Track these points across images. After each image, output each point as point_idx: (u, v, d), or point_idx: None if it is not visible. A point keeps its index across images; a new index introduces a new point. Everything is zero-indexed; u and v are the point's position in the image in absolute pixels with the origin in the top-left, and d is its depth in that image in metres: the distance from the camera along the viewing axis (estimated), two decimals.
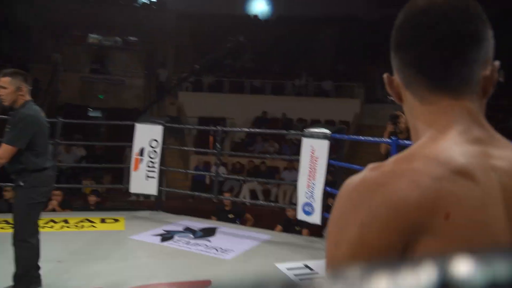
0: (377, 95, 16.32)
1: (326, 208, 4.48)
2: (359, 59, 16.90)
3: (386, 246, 0.55)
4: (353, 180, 0.61)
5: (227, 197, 7.11)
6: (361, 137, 4.87)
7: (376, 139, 4.78)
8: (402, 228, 0.55)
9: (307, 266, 3.78)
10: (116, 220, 5.04)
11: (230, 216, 6.65)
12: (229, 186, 10.82)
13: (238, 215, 6.73)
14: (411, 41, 0.66)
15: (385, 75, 0.73)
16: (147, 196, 7.39)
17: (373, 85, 16.49)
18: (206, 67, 14.23)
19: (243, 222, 6.57)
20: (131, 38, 16.96)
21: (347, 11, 17.78)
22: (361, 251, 0.56)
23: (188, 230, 4.76)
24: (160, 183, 5.52)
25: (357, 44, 17.05)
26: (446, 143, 0.61)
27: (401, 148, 4.01)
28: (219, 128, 5.30)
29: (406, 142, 3.87)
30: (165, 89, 15.17)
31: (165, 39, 17.45)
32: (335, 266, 0.58)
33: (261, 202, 7.57)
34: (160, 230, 4.64)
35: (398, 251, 0.55)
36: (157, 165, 5.41)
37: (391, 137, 4.35)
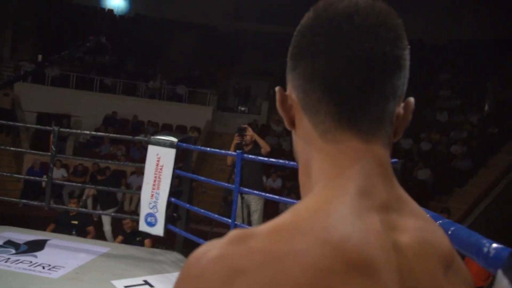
0: (229, 103, 16.87)
1: (170, 219, 4.37)
2: (213, 67, 17.25)
3: None
4: (204, 256, 0.44)
5: (61, 206, 6.48)
6: (208, 149, 4.90)
7: (222, 151, 4.86)
8: None
9: (146, 282, 3.60)
10: None
11: (74, 222, 6.09)
12: (70, 190, 9.93)
13: (84, 224, 6.19)
14: (325, 50, 0.50)
15: (277, 88, 0.55)
16: None
17: (226, 93, 16.99)
18: (58, 62, 12.88)
19: (83, 234, 6.06)
20: None
21: (205, 20, 18.04)
22: None
23: (9, 243, 4.15)
24: None
25: (212, 53, 17.39)
26: (344, 211, 0.46)
27: (245, 162, 4.13)
28: (55, 128, 4.77)
29: (250, 156, 4.00)
30: None
31: (1, 19, 15.32)
32: None
33: (101, 212, 7.06)
34: None
35: None
36: None
37: (237, 149, 4.47)
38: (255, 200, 4.76)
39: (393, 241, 0.47)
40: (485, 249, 0.96)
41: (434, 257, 0.50)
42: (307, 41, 0.51)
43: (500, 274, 0.74)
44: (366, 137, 0.50)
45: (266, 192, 5.27)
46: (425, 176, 10.86)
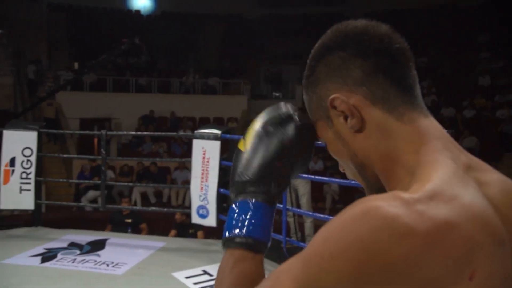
0: (262, 91, 16.86)
1: (221, 210, 4.45)
2: (243, 56, 17.25)
3: None
4: (382, 208, 0.48)
5: (115, 206, 6.72)
6: None
7: None
8: None
9: (205, 272, 3.71)
10: None
11: (128, 221, 6.33)
12: (118, 190, 10.28)
13: (136, 221, 6.42)
14: (374, 48, 0.61)
15: (336, 96, 0.62)
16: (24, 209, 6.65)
17: (258, 81, 16.98)
18: (96, 67, 13.27)
19: (137, 231, 6.28)
20: None
21: (229, 9, 18.01)
22: None
23: (73, 245, 4.37)
24: (38, 196, 4.99)
25: (240, 42, 17.38)
26: (457, 179, 0.53)
27: None
28: (103, 132, 4.94)
29: None
30: (38, 88, 13.79)
31: (36, 33, 15.89)
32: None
33: (153, 208, 7.28)
34: (40, 249, 4.18)
35: None
36: (32, 176, 4.87)
37: None
38: (302, 184, 4.77)
39: (484, 195, 0.55)
40: None
41: None
42: (351, 51, 0.62)
43: None
44: (424, 112, 0.61)
45: (310, 174, 5.27)
46: (472, 144, 10.50)
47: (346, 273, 0.47)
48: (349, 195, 9.99)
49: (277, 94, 16.16)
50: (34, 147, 4.89)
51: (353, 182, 3.90)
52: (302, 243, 4.17)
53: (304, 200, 4.75)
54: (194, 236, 5.87)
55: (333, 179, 4.56)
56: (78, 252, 4.18)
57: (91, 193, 9.44)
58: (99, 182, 5.01)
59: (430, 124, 0.60)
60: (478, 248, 0.49)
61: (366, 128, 0.61)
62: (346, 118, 0.62)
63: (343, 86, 0.62)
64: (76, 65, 15.31)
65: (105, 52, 10.96)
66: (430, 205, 0.49)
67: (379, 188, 0.64)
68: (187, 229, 5.97)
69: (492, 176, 0.59)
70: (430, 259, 0.47)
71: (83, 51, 15.63)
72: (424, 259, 0.46)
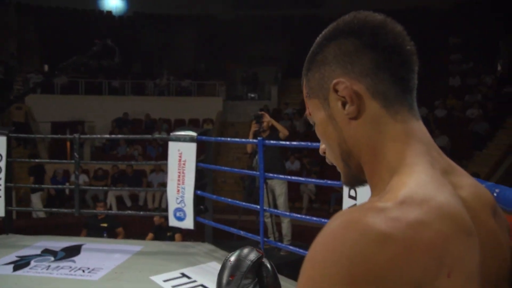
0: (238, 92, 16.86)
1: (198, 212, 4.43)
2: (218, 57, 17.21)
3: None
4: (352, 222, 0.50)
5: (90, 211, 6.59)
6: (228, 138, 4.91)
7: (243, 140, 4.89)
8: None
9: (184, 275, 3.68)
10: None
11: (104, 225, 6.21)
12: (92, 194, 10.09)
13: (112, 226, 6.31)
14: (387, 44, 0.61)
15: (341, 80, 0.62)
16: None
17: (234, 83, 16.97)
18: (68, 69, 12.99)
19: (113, 235, 6.17)
20: None
21: (204, 11, 17.94)
22: None
23: (47, 252, 4.27)
24: (8, 202, 4.85)
25: (215, 44, 17.33)
26: (433, 183, 0.56)
27: (265, 148, 4.16)
28: (76, 135, 4.84)
29: (272, 142, 4.01)
30: (6, 91, 13.41)
31: (5, 34, 15.45)
32: None
33: (129, 212, 7.19)
34: (13, 257, 4.07)
35: None
36: (2, 182, 4.74)
37: (256, 137, 4.49)
38: (278, 185, 4.78)
39: (459, 197, 0.58)
40: None
41: (486, 206, 0.62)
42: (364, 40, 0.62)
43: None
44: (416, 114, 0.63)
45: (286, 175, 5.30)
46: (443, 142, 10.76)
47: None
48: (325, 194, 10.10)
49: (252, 95, 16.18)
50: (4, 152, 4.76)
51: (329, 181, 3.94)
52: (279, 243, 4.19)
53: (281, 200, 4.77)
54: (172, 239, 5.81)
55: (310, 179, 4.60)
56: (52, 258, 4.09)
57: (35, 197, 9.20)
58: (73, 187, 4.91)
59: (419, 128, 0.62)
60: (453, 244, 0.52)
61: (361, 118, 0.62)
62: (344, 104, 0.63)
63: (349, 73, 0.62)
64: (46, 68, 14.94)
65: (76, 54, 10.76)
66: (404, 210, 0.51)
67: (357, 178, 0.67)
68: (164, 232, 5.91)
69: (466, 180, 0.63)
70: (411, 260, 0.49)
71: (54, 53, 15.28)
72: (405, 262, 0.49)
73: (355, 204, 2.87)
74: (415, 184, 0.55)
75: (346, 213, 0.53)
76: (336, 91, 0.63)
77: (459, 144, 10.94)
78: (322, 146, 0.72)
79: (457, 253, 0.52)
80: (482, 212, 0.61)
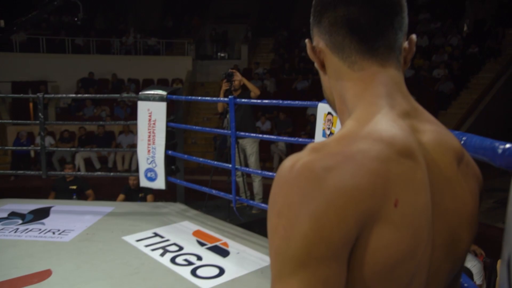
0: (208, 51, 16.51)
1: (169, 172, 4.41)
2: (187, 15, 16.68)
3: (343, 238, 0.52)
4: (295, 164, 0.54)
5: (58, 173, 6.45)
6: (199, 98, 4.85)
7: (214, 98, 4.83)
8: (358, 217, 0.52)
9: (156, 234, 3.70)
10: None
11: (73, 187, 6.11)
12: (59, 157, 9.87)
13: (81, 188, 6.22)
14: (344, 0, 0.64)
15: (307, 40, 0.70)
16: None
17: (203, 41, 16.57)
18: (26, 25, 12.24)
19: (83, 198, 6.10)
20: None
21: None
22: (318, 245, 0.51)
23: (14, 215, 4.19)
24: None
25: (182, 0, 16.75)
26: (383, 120, 0.60)
27: (236, 107, 4.12)
28: (39, 95, 4.65)
29: (243, 100, 3.98)
30: None
31: None
32: (288, 262, 0.52)
33: (98, 173, 7.10)
34: None
35: (353, 242, 0.53)
36: None
37: (227, 95, 4.44)
38: (249, 144, 4.79)
39: (419, 139, 0.62)
40: (500, 150, 1.04)
41: (448, 152, 0.65)
42: None
43: None
44: (382, 62, 0.65)
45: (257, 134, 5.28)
46: None
47: (307, 225, 0.52)
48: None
49: (222, 55, 15.89)
50: None
51: (300, 140, 3.98)
52: (251, 201, 4.25)
53: (253, 159, 4.79)
54: (143, 200, 5.81)
55: (281, 137, 4.63)
56: (20, 221, 4.01)
57: None
58: (39, 148, 4.76)
59: (382, 72, 0.64)
60: (394, 167, 0.55)
61: (328, 71, 0.70)
62: None
63: (318, 33, 0.69)
64: (2, 23, 14.09)
65: (36, 8, 10.18)
66: (343, 144, 0.56)
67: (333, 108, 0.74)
68: (136, 193, 5.88)
69: (430, 126, 0.65)
70: (356, 188, 0.53)
71: (10, 7, 14.38)
72: (352, 190, 0.52)
73: None
74: (366, 122, 0.60)
75: (292, 157, 0.56)
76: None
77: (425, 103, 11.04)
78: None
79: (401, 177, 0.55)
80: (442, 157, 0.64)
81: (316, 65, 0.70)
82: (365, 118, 0.61)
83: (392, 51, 0.65)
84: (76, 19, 11.98)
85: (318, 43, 0.69)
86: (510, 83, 11.30)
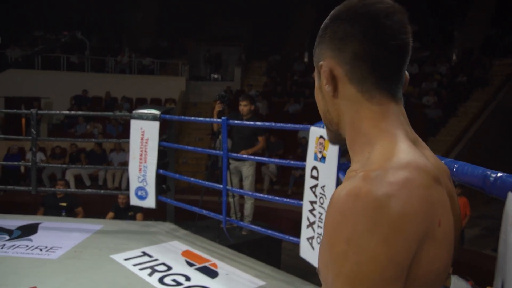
0: (201, 72, 16.67)
1: (160, 191, 4.42)
2: (181, 36, 16.90)
3: (407, 259, 0.58)
4: (358, 194, 0.59)
5: (48, 189, 6.40)
6: (192, 118, 4.90)
7: (207, 119, 4.88)
8: (418, 239, 0.59)
9: (145, 253, 3.69)
10: None
11: (62, 204, 6.06)
12: (49, 173, 9.80)
13: (71, 205, 6.17)
14: (373, 37, 0.68)
15: (324, 62, 0.72)
16: None
17: (197, 62, 16.76)
18: (31, 56, 12.36)
19: (72, 215, 6.05)
20: None
21: None
22: (389, 268, 0.57)
23: (1, 230, 4.15)
24: None
25: (178, 21, 16.99)
26: (410, 149, 0.66)
27: (236, 128, 4.17)
28: (33, 111, 4.67)
29: (235, 121, 4.03)
30: None
31: None
32: (359, 285, 0.57)
33: (89, 190, 7.05)
34: None
35: (410, 261, 0.59)
36: None
37: (221, 117, 4.49)
38: (246, 167, 4.80)
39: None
40: (491, 179, 1.08)
41: (445, 173, 0.75)
42: (354, 30, 0.69)
43: (510, 195, 0.84)
44: (397, 100, 0.72)
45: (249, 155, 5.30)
46: None
47: (379, 250, 0.57)
48: (285, 177, 10.28)
49: (215, 76, 16.05)
50: None
51: (292, 162, 4.03)
52: (241, 222, 4.26)
53: (248, 182, 4.80)
54: (133, 218, 5.77)
55: (273, 160, 4.68)
56: (7, 237, 3.98)
57: None
58: (29, 164, 4.76)
59: (394, 105, 0.71)
60: (435, 192, 0.63)
61: (340, 98, 0.73)
62: (326, 82, 0.73)
63: (335, 57, 0.71)
64: None
65: (44, 43, 10.28)
66: (394, 173, 0.61)
67: (338, 139, 0.78)
68: (125, 212, 5.85)
69: (428, 152, 0.75)
70: (415, 213, 0.59)
71: (6, 24, 14.50)
72: (411, 214, 0.59)
73: (316, 185, 2.96)
74: (397, 151, 0.65)
75: (348, 186, 0.61)
76: (321, 71, 0.73)
77: (414, 129, 11.33)
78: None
79: (439, 200, 0.63)
80: (444, 177, 0.72)
81: (326, 88, 0.73)
82: (394, 148, 0.66)
83: (401, 86, 0.72)
84: (83, 55, 12.06)
85: (333, 68, 0.72)
86: (497, 112, 11.53)
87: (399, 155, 0.64)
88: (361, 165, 0.68)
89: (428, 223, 0.60)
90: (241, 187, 4.83)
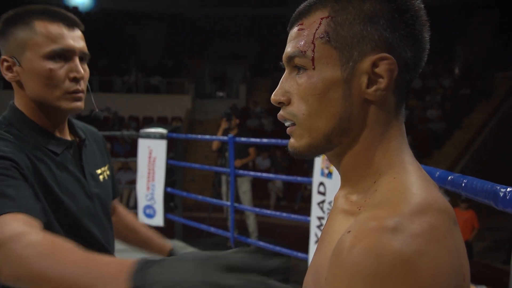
0: (207, 90, 16.87)
1: (168, 209, 4.48)
2: (186, 55, 17.16)
3: None
4: (381, 254, 0.46)
5: None
6: (199, 136, 4.99)
7: (214, 137, 4.96)
8: None
9: None
10: None
11: None
12: None
13: None
14: (422, 42, 0.60)
15: (389, 56, 0.54)
16: None
17: (202, 80, 16.98)
18: None
19: None
20: None
21: (171, 8, 17.85)
22: None
23: None
24: None
25: (183, 41, 17.28)
26: (429, 184, 0.56)
27: (236, 145, 4.24)
28: None
29: (241, 139, 4.10)
30: None
31: None
32: None
33: None
34: None
35: None
36: None
37: (225, 134, 4.57)
38: (243, 183, 4.87)
39: None
40: (501, 194, 1.06)
41: None
42: (419, 34, 0.60)
43: None
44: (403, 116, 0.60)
45: (255, 172, 5.38)
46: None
47: None
48: (292, 193, 10.30)
49: (221, 94, 16.22)
50: None
51: (299, 178, 4.07)
52: (249, 239, 4.29)
53: (246, 197, 4.86)
54: None
55: (279, 176, 4.73)
56: None
57: None
58: None
59: (403, 127, 0.61)
60: (459, 245, 0.52)
61: (378, 106, 0.56)
62: (369, 80, 0.55)
63: (393, 50, 0.55)
64: None
65: None
66: (416, 223, 0.49)
67: (319, 152, 0.61)
68: None
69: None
70: (442, 270, 0.48)
71: None
72: (438, 272, 0.48)
73: (324, 200, 3.01)
74: (411, 186, 0.53)
75: (361, 241, 0.48)
76: (375, 64, 0.54)
77: (419, 143, 11.40)
78: (282, 98, 0.61)
79: (460, 246, 0.52)
80: None
81: (384, 86, 0.55)
82: (406, 181, 0.54)
83: None
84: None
85: (394, 71, 0.55)
86: (502, 124, 11.55)
87: (415, 192, 0.52)
88: (363, 198, 0.56)
89: (456, 280, 0.49)
90: (240, 203, 4.90)
